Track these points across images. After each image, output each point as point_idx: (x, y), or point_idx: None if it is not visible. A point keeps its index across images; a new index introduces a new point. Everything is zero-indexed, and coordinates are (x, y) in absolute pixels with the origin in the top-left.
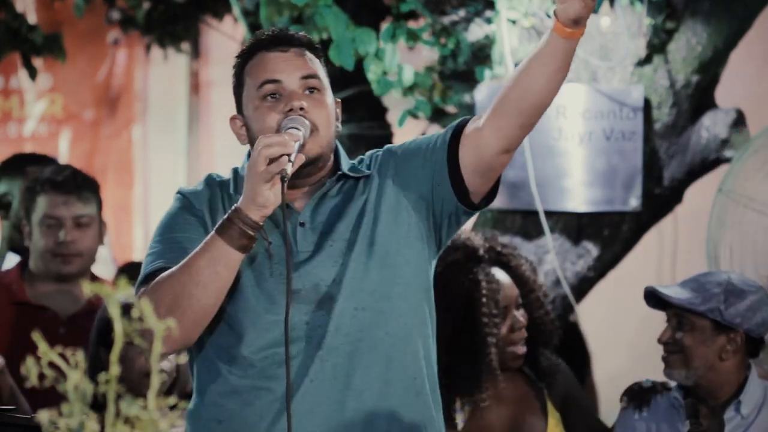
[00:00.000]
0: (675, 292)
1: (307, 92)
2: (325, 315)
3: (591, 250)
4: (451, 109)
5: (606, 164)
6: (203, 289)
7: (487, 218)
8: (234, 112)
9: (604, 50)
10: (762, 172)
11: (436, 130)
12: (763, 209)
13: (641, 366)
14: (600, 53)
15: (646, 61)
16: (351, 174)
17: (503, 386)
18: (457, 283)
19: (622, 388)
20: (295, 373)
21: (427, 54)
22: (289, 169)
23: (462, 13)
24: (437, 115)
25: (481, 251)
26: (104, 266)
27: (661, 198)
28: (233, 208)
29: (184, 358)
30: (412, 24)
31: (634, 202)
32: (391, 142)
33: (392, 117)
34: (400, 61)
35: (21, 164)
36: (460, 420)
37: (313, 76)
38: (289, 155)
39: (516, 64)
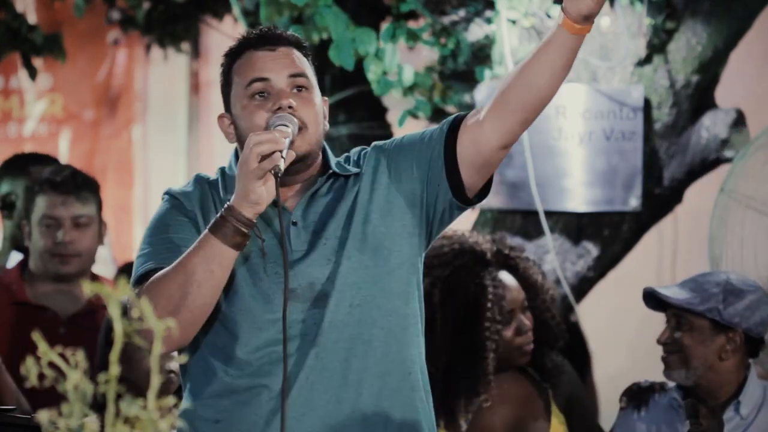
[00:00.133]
0: (673, 293)
1: (295, 90)
2: (320, 312)
3: (591, 250)
4: (451, 109)
5: (606, 164)
6: (198, 288)
7: (487, 218)
8: None
9: (604, 50)
10: (764, 172)
11: None
12: (764, 209)
13: (641, 366)
14: (600, 53)
15: (646, 61)
16: (341, 172)
17: (507, 386)
18: (464, 287)
19: (622, 388)
20: (292, 371)
21: (427, 54)
22: (282, 165)
23: (462, 13)
24: (437, 115)
25: (489, 255)
26: (104, 266)
27: (661, 198)
28: (226, 206)
29: (184, 359)
30: (412, 24)
31: (634, 202)
32: None
33: (392, 117)
34: (400, 61)
35: (24, 164)
36: (463, 422)
37: (301, 74)
38: (281, 152)
39: (516, 64)
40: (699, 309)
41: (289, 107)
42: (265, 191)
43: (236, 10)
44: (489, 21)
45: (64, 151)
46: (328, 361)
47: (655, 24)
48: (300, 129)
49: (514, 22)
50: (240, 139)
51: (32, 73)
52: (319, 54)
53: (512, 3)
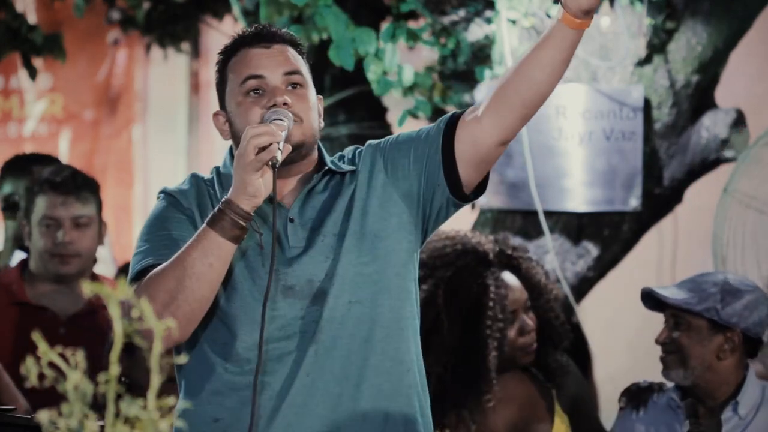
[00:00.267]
0: (671, 293)
1: (289, 88)
2: (319, 309)
3: (591, 250)
4: (451, 109)
5: (606, 164)
6: (197, 282)
7: (487, 218)
8: None
9: (604, 50)
10: (766, 172)
11: None
12: (766, 209)
13: (641, 366)
14: (600, 53)
15: (646, 61)
16: (336, 169)
17: (510, 386)
18: (466, 287)
19: (622, 388)
20: (292, 368)
21: (427, 54)
22: (279, 157)
23: (462, 13)
24: (437, 116)
25: (491, 255)
26: (104, 266)
27: (661, 198)
28: (224, 199)
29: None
30: (412, 24)
31: (634, 202)
32: None
33: (392, 117)
34: (400, 61)
35: (26, 164)
36: (471, 423)
37: (296, 72)
38: (278, 143)
39: None
40: (697, 309)
41: (284, 104)
42: (262, 183)
43: (236, 10)
44: (489, 21)
45: (64, 151)
46: (327, 358)
47: (655, 24)
48: (295, 122)
49: (514, 22)
50: (235, 136)
51: (32, 73)
52: (319, 54)
53: (512, 3)
